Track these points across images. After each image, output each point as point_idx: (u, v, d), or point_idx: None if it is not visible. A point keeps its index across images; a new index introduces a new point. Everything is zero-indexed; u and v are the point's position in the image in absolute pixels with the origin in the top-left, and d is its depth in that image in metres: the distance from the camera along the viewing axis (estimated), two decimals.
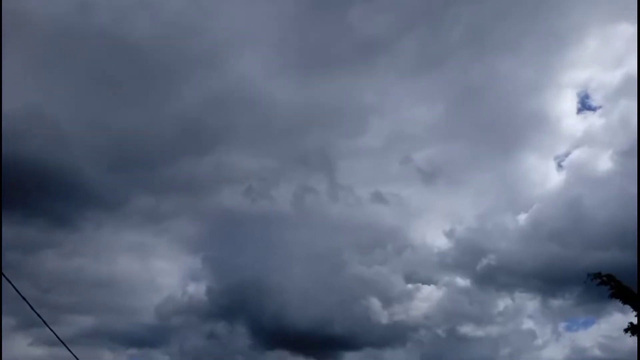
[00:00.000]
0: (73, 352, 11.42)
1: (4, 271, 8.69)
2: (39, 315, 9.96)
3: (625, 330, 9.86)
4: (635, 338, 9.87)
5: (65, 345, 10.99)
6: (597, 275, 10.09)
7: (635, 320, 9.92)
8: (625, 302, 9.95)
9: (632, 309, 9.89)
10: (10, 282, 8.75)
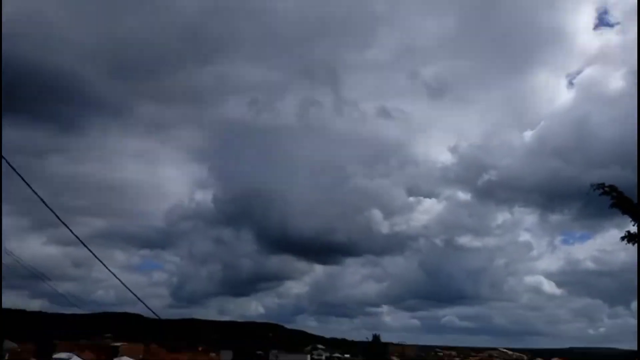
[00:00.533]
0: (88, 248, 11.53)
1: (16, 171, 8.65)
2: (54, 213, 9.98)
3: (622, 238, 10.28)
4: (627, 251, 10.39)
5: (82, 242, 11.15)
6: (600, 185, 10.42)
7: (633, 230, 10.34)
8: (624, 212, 10.34)
9: (630, 220, 10.27)
10: (25, 181, 8.77)
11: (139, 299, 14.07)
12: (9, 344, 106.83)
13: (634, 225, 10.33)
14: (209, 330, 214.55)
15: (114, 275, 13.30)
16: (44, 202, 9.68)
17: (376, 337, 74.89)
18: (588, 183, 10.25)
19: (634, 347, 10.33)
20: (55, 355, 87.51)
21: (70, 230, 11.19)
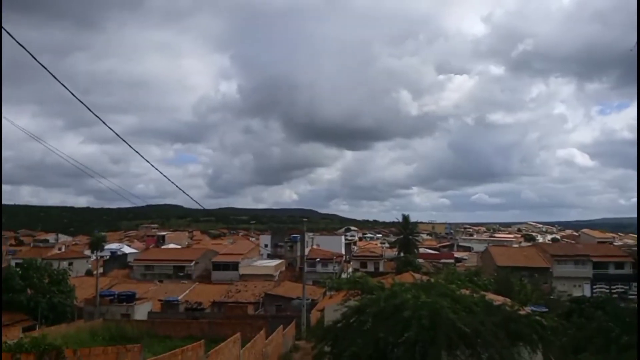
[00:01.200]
0: (129, 145, 11.63)
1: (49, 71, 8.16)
2: (93, 112, 9.91)
3: None
4: None
5: (122, 139, 11.38)
6: None
7: None
8: None
9: None
10: (60, 82, 8.35)
11: (181, 190, 13.90)
12: (63, 238, 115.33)
13: None
14: (247, 218, 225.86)
15: (156, 169, 13.01)
16: (80, 101, 9.11)
17: (405, 217, 76.64)
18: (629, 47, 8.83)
19: None
20: (107, 246, 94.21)
21: (109, 127, 10.92)
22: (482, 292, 18.77)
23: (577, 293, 53.21)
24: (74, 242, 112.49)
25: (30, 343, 9.56)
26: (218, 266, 69.58)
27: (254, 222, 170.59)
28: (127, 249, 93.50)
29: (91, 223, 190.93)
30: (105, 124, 11.06)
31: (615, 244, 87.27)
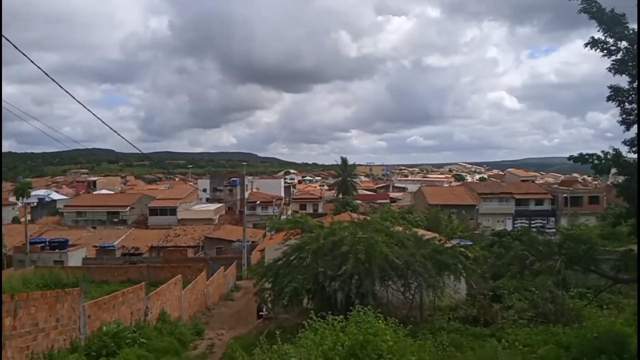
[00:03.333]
0: (58, 84, 11.10)
1: None
2: (18, 49, 9.14)
3: (586, 45, 10.35)
4: (589, 63, 10.64)
5: (50, 77, 10.68)
6: None
7: (597, 36, 10.29)
8: (592, 17, 10.18)
9: (597, 25, 10.14)
10: None
11: (116, 132, 13.36)
12: None
13: (598, 32, 10.11)
14: (184, 162, 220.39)
15: (88, 110, 12.41)
16: (2, 35, 8.18)
17: (344, 160, 78.19)
18: None
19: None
20: (33, 193, 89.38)
21: (37, 66, 10.12)
22: (414, 228, 19.99)
23: (500, 228, 57.53)
24: None
25: None
26: (155, 211, 68.41)
27: (191, 166, 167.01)
28: (55, 195, 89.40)
29: (14, 169, 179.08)
30: (33, 62, 10.38)
31: (536, 182, 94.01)
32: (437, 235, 19.37)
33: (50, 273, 32.53)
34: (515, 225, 63.04)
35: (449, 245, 17.71)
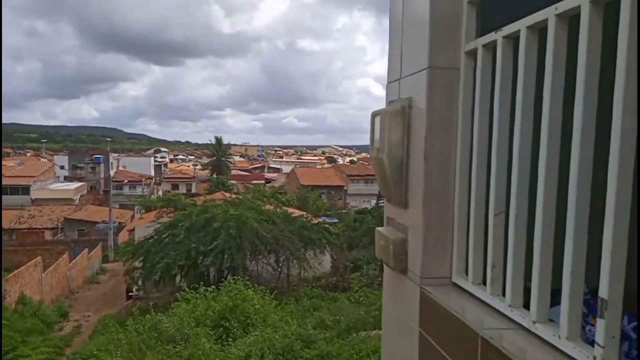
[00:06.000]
0: None
1: None
2: None
3: None
4: None
5: None
6: None
7: None
8: None
9: None
10: None
11: None
12: None
13: None
14: (36, 136, 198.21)
15: None
16: None
17: (218, 139, 77.39)
18: None
19: None
20: None
21: None
22: (285, 207, 21.30)
23: (365, 207, 62.17)
24: None
25: None
26: (4, 190, 61.33)
27: (45, 140, 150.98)
28: None
29: None
30: None
31: None
32: (304, 213, 20.91)
33: None
34: (378, 204, 68.52)
35: (315, 222, 19.31)
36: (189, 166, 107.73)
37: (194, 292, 11.90)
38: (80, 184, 66.66)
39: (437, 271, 1.49)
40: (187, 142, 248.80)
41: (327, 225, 18.97)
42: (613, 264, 0.88)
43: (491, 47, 1.32)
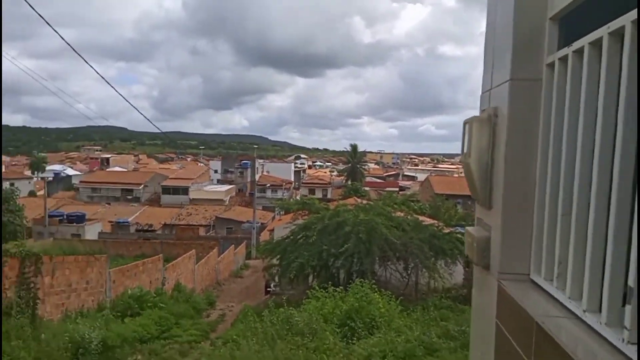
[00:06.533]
0: (80, 55, 12.11)
1: None
2: (47, 22, 9.96)
3: None
4: None
5: (72, 48, 11.60)
6: None
7: None
8: None
9: None
10: None
11: (136, 109, 14.55)
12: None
13: None
14: (195, 143, 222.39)
15: (109, 84, 13.59)
16: (35, 10, 9.07)
17: (354, 147, 79.11)
18: None
19: None
20: (48, 167, 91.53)
21: (61, 37, 11.03)
22: (416, 215, 21.16)
23: None
24: (12, 163, 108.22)
25: (13, 249, 10.70)
26: (168, 190, 70.03)
27: (203, 147, 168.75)
28: (70, 171, 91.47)
29: (29, 143, 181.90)
30: (59, 35, 11.25)
31: None
32: (435, 221, 20.53)
33: (68, 245, 34.17)
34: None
35: (447, 231, 18.86)
36: (325, 172, 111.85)
37: (324, 291, 12.49)
38: (230, 186, 73.27)
39: (514, 267, 1.60)
40: (325, 150, 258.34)
41: (459, 235, 18.39)
42: None
43: (565, 60, 1.41)
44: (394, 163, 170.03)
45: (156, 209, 58.36)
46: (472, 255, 1.83)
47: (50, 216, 43.53)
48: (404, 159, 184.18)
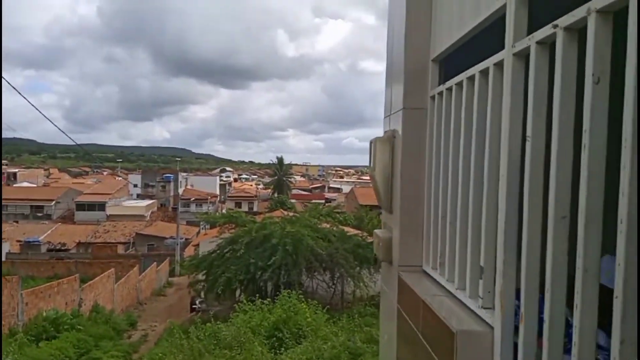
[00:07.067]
0: None
1: None
2: None
3: None
4: None
5: None
6: None
7: None
8: None
9: None
10: None
11: (47, 118, 13.68)
12: None
13: None
14: (112, 155, 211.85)
15: (16, 90, 12.66)
16: None
17: (280, 159, 79.53)
18: None
19: None
20: None
21: None
22: (341, 226, 21.78)
23: None
24: None
25: None
26: (82, 206, 66.14)
27: (120, 160, 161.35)
28: None
29: None
30: None
31: None
32: (360, 231, 21.27)
33: None
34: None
35: (371, 241, 19.62)
36: (251, 185, 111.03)
37: (251, 304, 12.58)
38: (152, 201, 70.57)
39: (410, 261, 1.96)
40: (251, 162, 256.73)
41: None
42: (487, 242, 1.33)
43: (441, 94, 1.79)
44: (319, 175, 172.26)
45: (70, 227, 54.89)
46: (379, 253, 2.17)
47: None
48: (330, 171, 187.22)
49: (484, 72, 1.45)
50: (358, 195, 67.60)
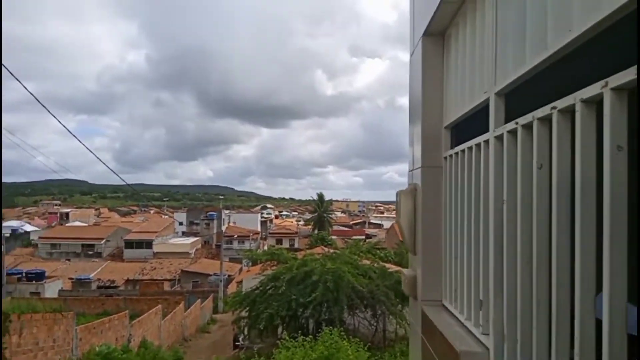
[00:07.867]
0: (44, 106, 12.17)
1: None
2: (13, 74, 10.16)
3: None
4: None
5: (37, 99, 11.68)
6: None
7: None
8: None
9: None
10: None
11: (99, 159, 14.71)
12: None
13: None
14: (159, 194, 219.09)
15: (71, 133, 13.78)
16: None
17: (320, 196, 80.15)
18: None
19: None
20: (5, 224, 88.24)
21: (25, 88, 11.42)
22: (382, 262, 21.82)
23: None
24: None
25: None
26: (131, 244, 68.48)
27: (167, 199, 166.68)
28: (28, 227, 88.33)
29: None
30: (24, 86, 11.65)
31: None
32: (400, 268, 21.21)
33: (27, 304, 32.92)
34: None
35: None
36: (292, 222, 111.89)
37: (293, 341, 12.80)
38: (196, 238, 72.28)
39: (431, 296, 2.29)
40: (292, 199, 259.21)
41: None
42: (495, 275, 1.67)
43: (452, 157, 2.17)
44: (360, 211, 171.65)
45: (119, 264, 56.88)
46: (406, 289, 2.51)
47: (8, 274, 41.88)
48: (370, 207, 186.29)
49: (478, 146, 1.81)
50: (398, 232, 67.08)
